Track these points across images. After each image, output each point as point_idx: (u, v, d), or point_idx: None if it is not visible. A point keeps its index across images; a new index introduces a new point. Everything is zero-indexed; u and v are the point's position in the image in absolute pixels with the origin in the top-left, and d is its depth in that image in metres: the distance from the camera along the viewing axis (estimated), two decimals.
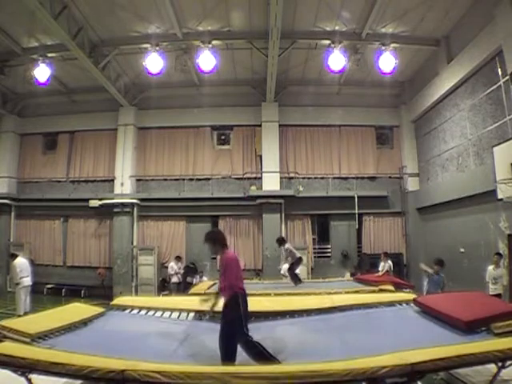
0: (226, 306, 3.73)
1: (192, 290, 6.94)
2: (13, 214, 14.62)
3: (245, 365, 2.70)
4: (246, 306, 3.81)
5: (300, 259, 8.64)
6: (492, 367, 2.93)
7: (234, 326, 3.55)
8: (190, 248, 13.80)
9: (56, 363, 2.57)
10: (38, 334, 3.30)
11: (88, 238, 14.29)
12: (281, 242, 8.96)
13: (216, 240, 4.14)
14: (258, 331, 3.92)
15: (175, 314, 4.60)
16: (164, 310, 4.70)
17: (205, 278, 11.03)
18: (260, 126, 13.95)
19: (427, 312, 4.05)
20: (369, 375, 2.46)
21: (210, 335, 3.81)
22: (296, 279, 8.25)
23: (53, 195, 14.29)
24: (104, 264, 13.89)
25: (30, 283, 9.18)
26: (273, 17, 9.05)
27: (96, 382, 2.62)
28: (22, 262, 9.19)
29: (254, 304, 4.77)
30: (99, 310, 4.46)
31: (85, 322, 4.01)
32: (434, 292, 7.28)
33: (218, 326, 3.95)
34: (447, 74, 11.12)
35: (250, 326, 3.77)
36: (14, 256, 9.40)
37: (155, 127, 14.51)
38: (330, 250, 13.89)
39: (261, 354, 3.39)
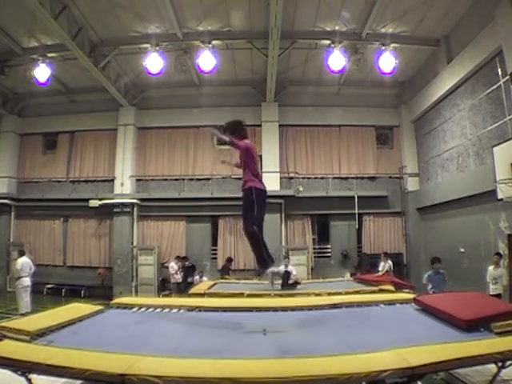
0: (246, 193, 4.24)
1: (192, 290, 6.93)
2: (13, 213, 14.63)
3: (245, 364, 2.70)
4: (261, 202, 4.21)
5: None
6: (492, 367, 2.93)
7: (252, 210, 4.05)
8: (190, 248, 13.80)
9: (55, 366, 2.58)
10: (37, 332, 3.30)
11: (88, 238, 14.30)
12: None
13: (235, 129, 4.39)
14: (255, 321, 3.92)
15: (175, 310, 4.61)
16: (164, 307, 4.72)
17: (205, 278, 11.02)
18: (260, 125, 13.95)
19: (427, 311, 4.05)
20: (370, 379, 2.47)
21: (213, 328, 3.82)
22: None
23: (53, 195, 14.30)
24: (104, 264, 13.90)
25: (29, 283, 9.19)
26: (273, 17, 9.06)
27: (96, 382, 2.62)
28: (24, 262, 9.22)
29: (253, 302, 4.77)
30: (99, 307, 4.47)
31: (84, 319, 4.02)
32: (438, 291, 7.31)
33: (220, 317, 4.03)
34: (447, 74, 11.13)
35: (247, 315, 3.84)
36: (21, 253, 9.47)
37: (155, 127, 14.52)
38: (330, 250, 13.89)
39: (259, 247, 3.95)
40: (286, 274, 6.42)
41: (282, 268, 9.50)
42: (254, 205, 4.18)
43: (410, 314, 4.21)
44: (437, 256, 8.50)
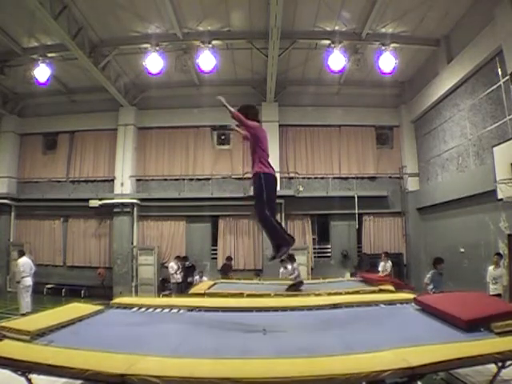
0: (254, 179, 4.14)
1: (192, 290, 6.93)
2: (13, 213, 14.63)
3: (245, 364, 2.70)
4: (270, 186, 4.11)
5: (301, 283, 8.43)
6: (492, 367, 2.93)
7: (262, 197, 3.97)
8: (190, 248, 13.80)
9: (55, 366, 2.58)
10: (37, 332, 3.31)
11: (88, 238, 14.30)
12: (290, 258, 8.90)
13: (248, 113, 4.28)
14: (256, 321, 3.92)
15: (175, 310, 4.62)
16: (164, 307, 4.72)
17: (205, 278, 11.01)
18: None
19: (427, 311, 4.05)
20: (370, 379, 2.47)
21: (213, 328, 3.82)
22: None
23: (53, 195, 14.29)
24: (104, 264, 13.89)
25: (31, 283, 9.21)
26: (273, 17, 9.06)
27: (96, 382, 2.62)
28: (24, 262, 9.23)
29: (253, 302, 4.77)
30: (99, 307, 4.47)
31: (84, 319, 4.02)
32: (438, 292, 7.31)
33: (220, 317, 4.00)
34: (447, 74, 11.13)
35: (247, 315, 3.83)
36: (21, 254, 9.48)
37: (155, 127, 14.52)
38: (330, 250, 13.89)
39: (275, 232, 3.95)
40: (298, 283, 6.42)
41: (282, 270, 9.50)
42: (263, 190, 4.08)
43: (410, 314, 4.21)
44: (439, 257, 8.39)
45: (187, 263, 12.21)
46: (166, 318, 4.36)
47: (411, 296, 4.85)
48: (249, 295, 5.90)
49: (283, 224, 13.52)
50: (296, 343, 3.38)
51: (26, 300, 9.04)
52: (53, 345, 3.08)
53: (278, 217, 13.29)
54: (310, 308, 4.59)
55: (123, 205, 13.62)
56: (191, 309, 4.62)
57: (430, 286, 7.96)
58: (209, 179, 14.07)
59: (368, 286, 7.11)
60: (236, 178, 14.04)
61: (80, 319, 3.96)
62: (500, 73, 8.89)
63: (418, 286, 10.10)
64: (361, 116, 14.13)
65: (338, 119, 14.23)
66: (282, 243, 4.08)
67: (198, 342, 3.47)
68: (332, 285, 7.87)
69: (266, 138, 4.50)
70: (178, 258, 12.16)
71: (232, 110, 4.25)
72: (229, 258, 12.47)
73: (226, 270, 11.76)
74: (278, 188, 14.49)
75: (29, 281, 9.15)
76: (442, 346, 2.89)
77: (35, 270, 9.61)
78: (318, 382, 2.45)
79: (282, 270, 10.85)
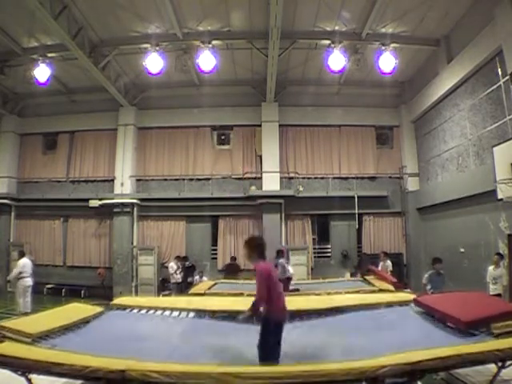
0: (263, 323, 3.43)
1: (192, 290, 6.94)
2: (13, 214, 14.62)
3: (245, 365, 2.70)
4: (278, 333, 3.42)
5: (289, 279, 8.30)
6: (492, 367, 2.93)
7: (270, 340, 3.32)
8: (190, 248, 13.80)
9: (56, 363, 2.57)
10: (38, 334, 3.30)
11: (88, 238, 14.29)
12: (278, 253, 8.86)
13: (253, 248, 3.74)
14: (256, 322, 3.91)
15: (175, 313, 4.60)
16: (164, 309, 4.71)
17: (205, 278, 11.02)
18: (260, 125, 13.94)
19: (427, 312, 4.05)
20: (368, 375, 2.46)
21: (211, 333, 3.81)
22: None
23: (53, 195, 14.28)
24: (104, 264, 13.89)
25: (31, 283, 9.21)
26: (273, 17, 9.05)
27: (96, 382, 2.62)
28: (25, 262, 9.24)
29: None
30: (99, 309, 4.46)
31: (85, 322, 4.01)
32: (437, 292, 7.31)
33: (217, 324, 3.96)
34: (447, 74, 11.13)
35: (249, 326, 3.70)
36: (22, 254, 9.49)
37: (155, 127, 14.51)
38: (330, 250, 13.89)
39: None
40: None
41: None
42: (266, 337, 3.40)
43: (410, 315, 4.22)
44: (438, 256, 8.44)
45: (187, 263, 12.20)
46: (166, 319, 4.36)
47: (411, 297, 4.86)
48: (249, 295, 5.90)
49: (283, 224, 13.55)
50: (296, 343, 3.38)
51: (25, 300, 9.03)
52: (53, 348, 3.08)
53: (277, 216, 13.32)
54: (310, 311, 4.59)
55: (123, 205, 13.61)
56: (191, 309, 4.62)
57: (428, 287, 7.96)
58: (209, 179, 14.07)
59: (368, 285, 7.12)
60: (236, 178, 14.04)
61: (80, 321, 3.96)
62: (500, 73, 8.89)
63: (418, 286, 10.11)
64: (361, 116, 14.12)
65: (338, 119, 14.22)
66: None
67: (198, 342, 3.47)
68: (332, 285, 7.89)
69: (273, 277, 3.69)
70: (177, 257, 12.15)
71: (252, 309, 3.53)
72: (234, 258, 12.47)
73: (235, 270, 11.70)
74: (278, 188, 14.47)
75: (29, 281, 9.15)
76: (441, 346, 2.89)
77: (34, 270, 9.59)
78: (319, 377, 2.46)
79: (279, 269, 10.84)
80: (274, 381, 2.39)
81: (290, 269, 8.43)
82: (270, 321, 3.39)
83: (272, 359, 3.19)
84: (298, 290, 7.70)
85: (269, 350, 3.30)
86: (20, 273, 9.09)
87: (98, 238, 14.24)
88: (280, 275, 8.18)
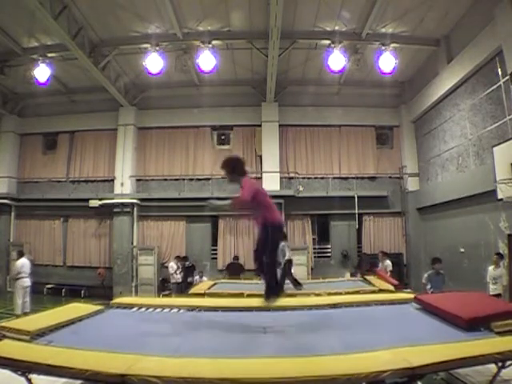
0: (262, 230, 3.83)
1: (192, 290, 6.94)
2: (13, 214, 14.61)
3: (245, 364, 2.70)
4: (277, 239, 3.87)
5: (290, 261, 8.31)
6: (492, 367, 2.93)
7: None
8: (190, 248, 13.80)
9: (55, 366, 2.58)
10: (37, 331, 3.31)
11: (88, 238, 14.29)
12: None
13: (235, 168, 3.86)
14: (256, 320, 3.94)
15: (175, 310, 4.62)
16: (164, 307, 4.72)
17: (205, 278, 11.02)
18: (260, 125, 13.95)
19: (428, 310, 4.06)
20: (370, 379, 2.47)
21: (213, 328, 3.83)
22: (296, 283, 7.90)
23: (53, 195, 14.28)
24: (104, 264, 13.89)
25: (29, 284, 9.20)
26: (273, 17, 9.05)
27: (96, 382, 2.63)
28: (24, 262, 9.22)
29: (253, 302, 4.77)
30: (99, 307, 4.47)
31: (84, 319, 4.02)
32: (437, 292, 7.32)
33: (220, 317, 4.06)
34: (447, 74, 11.13)
35: (247, 315, 3.81)
36: (20, 254, 9.47)
37: (155, 127, 14.52)
38: (330, 250, 13.89)
39: (269, 276, 3.82)
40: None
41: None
42: (268, 242, 3.77)
43: (411, 314, 4.22)
44: (437, 256, 8.50)
45: (187, 263, 12.20)
46: (166, 318, 4.36)
47: (411, 296, 4.86)
48: (249, 295, 5.90)
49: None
50: (296, 343, 3.38)
51: (24, 300, 9.01)
52: (53, 345, 3.08)
53: None
54: (310, 308, 4.60)
55: (123, 205, 13.62)
56: (191, 309, 4.62)
57: (428, 286, 7.97)
58: (209, 179, 14.07)
59: (368, 285, 7.12)
60: None
61: (80, 319, 3.97)
62: (500, 73, 8.89)
63: (418, 286, 10.11)
64: (361, 116, 14.12)
65: (337, 119, 14.22)
66: (270, 291, 3.91)
67: (198, 342, 3.47)
68: (332, 284, 7.88)
69: (265, 193, 4.02)
70: (177, 257, 12.15)
71: (228, 203, 3.85)
72: (236, 258, 12.47)
73: (238, 271, 11.70)
74: (278, 188, 14.50)
75: (27, 281, 9.11)
76: (442, 346, 2.89)
77: (33, 270, 9.58)
78: (318, 381, 2.46)
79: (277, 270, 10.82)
80: None
81: (288, 252, 8.32)
82: (272, 224, 3.78)
83: (274, 278, 3.85)
84: (301, 285, 7.54)
85: (271, 264, 3.79)
86: (18, 273, 9.07)
87: (97, 237, 14.24)
88: (280, 258, 8.22)
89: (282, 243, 8.53)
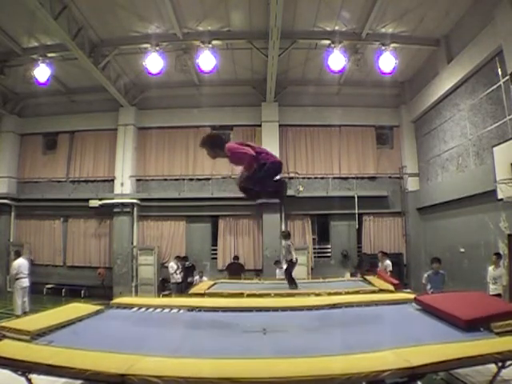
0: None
1: (192, 290, 6.93)
2: (13, 213, 14.62)
3: (245, 364, 2.70)
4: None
5: (295, 262, 8.33)
6: (492, 367, 2.93)
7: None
8: (190, 248, 13.80)
9: (55, 366, 2.58)
10: (37, 331, 3.31)
11: (88, 238, 14.29)
12: (286, 236, 8.89)
13: (212, 145, 3.99)
14: (255, 321, 3.94)
15: (175, 310, 4.62)
16: (164, 307, 4.72)
17: (205, 278, 11.02)
18: (260, 125, 13.95)
19: (428, 311, 4.06)
20: (370, 379, 2.47)
21: (213, 328, 3.83)
22: (292, 282, 7.57)
23: (53, 195, 14.29)
24: (104, 264, 13.89)
25: (28, 284, 9.18)
26: (273, 17, 9.05)
27: (96, 382, 2.63)
28: (21, 263, 9.21)
29: (253, 302, 4.77)
30: (99, 307, 4.47)
31: (84, 319, 4.02)
32: (437, 291, 7.32)
33: (220, 317, 4.08)
34: (447, 74, 11.12)
35: (247, 315, 3.80)
36: (18, 254, 9.46)
37: (155, 127, 14.51)
38: (330, 250, 13.89)
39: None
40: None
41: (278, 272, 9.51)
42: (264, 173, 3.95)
43: (410, 314, 4.22)
44: (436, 256, 8.51)
45: (187, 263, 12.21)
46: (166, 318, 4.36)
47: (411, 296, 4.86)
48: (249, 295, 5.91)
49: (283, 224, 13.54)
50: (296, 343, 3.38)
51: (23, 301, 9.00)
52: (53, 345, 3.08)
53: (277, 216, 13.32)
54: (309, 308, 4.60)
55: (123, 205, 13.62)
56: (191, 309, 4.62)
57: (428, 286, 7.97)
58: (209, 179, 14.07)
59: (368, 285, 7.11)
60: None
61: (80, 319, 3.96)
62: (500, 73, 8.89)
63: (418, 286, 10.11)
64: (361, 116, 14.12)
65: (337, 119, 14.21)
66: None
67: (198, 341, 3.47)
68: (332, 284, 7.87)
69: (247, 144, 4.19)
70: (177, 257, 12.16)
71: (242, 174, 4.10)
72: (236, 258, 12.47)
73: (238, 271, 11.69)
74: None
75: (26, 282, 9.09)
76: (442, 346, 2.89)
77: (30, 270, 9.57)
78: (318, 381, 2.45)
79: (277, 271, 10.87)
80: None
81: (293, 252, 8.32)
82: (273, 162, 3.96)
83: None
84: (296, 286, 7.45)
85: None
86: (16, 273, 9.06)
87: (97, 238, 14.25)
88: (285, 257, 8.28)
89: (288, 242, 8.60)
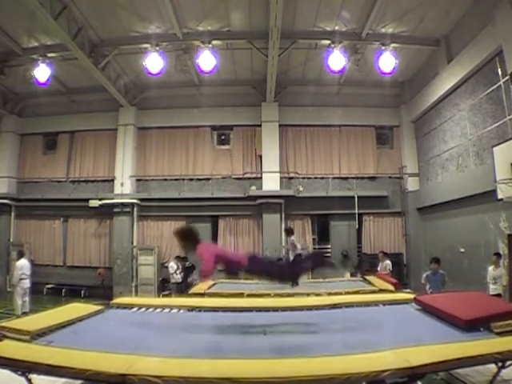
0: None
1: (192, 290, 6.93)
2: (13, 214, 14.62)
3: (245, 364, 2.70)
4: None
5: (300, 256, 8.48)
6: (492, 367, 2.93)
7: None
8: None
9: (55, 366, 2.58)
10: (37, 332, 3.30)
11: (88, 238, 14.29)
12: (289, 231, 8.98)
13: (187, 238, 4.06)
14: (256, 320, 3.94)
15: (175, 310, 4.62)
16: (164, 307, 4.72)
17: None
18: (260, 125, 13.95)
19: (427, 311, 4.06)
20: (370, 379, 2.47)
21: (213, 328, 3.83)
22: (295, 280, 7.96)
23: (53, 195, 14.29)
24: (104, 264, 13.89)
25: (29, 285, 9.19)
26: (273, 17, 9.05)
27: (96, 382, 2.62)
28: (23, 263, 9.22)
29: (253, 302, 4.77)
30: (99, 307, 4.47)
31: (84, 319, 4.01)
32: (436, 291, 7.32)
33: (220, 317, 4.10)
34: (447, 74, 11.12)
35: (247, 315, 3.85)
36: (20, 255, 9.46)
37: (155, 127, 14.51)
38: (330, 250, 13.88)
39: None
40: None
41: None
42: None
43: (410, 314, 4.21)
44: (435, 256, 8.50)
45: (187, 263, 12.19)
46: (166, 318, 4.36)
47: (411, 296, 4.86)
48: (249, 295, 5.90)
49: (283, 224, 13.53)
50: (296, 343, 3.38)
51: (23, 301, 9.01)
52: (53, 345, 3.08)
53: (277, 216, 13.32)
54: (309, 308, 4.60)
55: (123, 205, 13.62)
56: (191, 309, 4.62)
57: (427, 286, 7.97)
58: (209, 179, 14.07)
59: (368, 285, 7.11)
60: (236, 178, 14.04)
61: (80, 319, 3.96)
62: (500, 73, 8.89)
63: (418, 286, 10.10)
64: (361, 116, 14.12)
65: (337, 119, 14.21)
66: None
67: (198, 342, 3.47)
68: (332, 284, 7.87)
69: (222, 250, 4.68)
70: (177, 257, 12.14)
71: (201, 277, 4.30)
72: None
73: (238, 270, 11.66)
74: (278, 188, 14.50)
75: (27, 283, 9.09)
76: (442, 346, 2.89)
77: (31, 270, 9.56)
78: (318, 381, 2.45)
79: None
80: None
81: (298, 245, 8.58)
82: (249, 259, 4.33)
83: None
84: (297, 284, 7.60)
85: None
86: (20, 274, 9.07)
87: (97, 238, 14.25)
88: (291, 252, 8.33)
89: (292, 238, 8.71)
